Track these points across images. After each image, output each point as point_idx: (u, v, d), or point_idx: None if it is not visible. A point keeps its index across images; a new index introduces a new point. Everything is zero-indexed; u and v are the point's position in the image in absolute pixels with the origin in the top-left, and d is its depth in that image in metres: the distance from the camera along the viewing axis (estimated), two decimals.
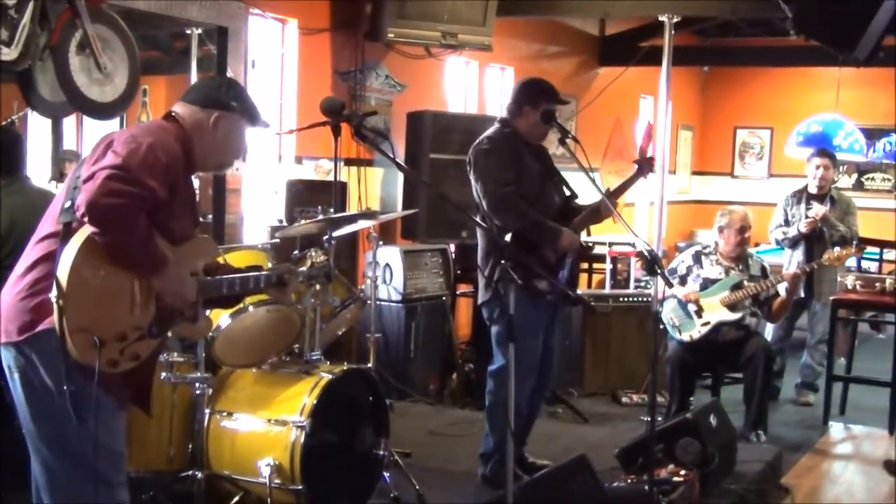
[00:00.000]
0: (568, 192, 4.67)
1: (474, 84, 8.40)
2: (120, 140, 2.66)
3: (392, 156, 3.34)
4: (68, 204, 2.66)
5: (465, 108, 8.24)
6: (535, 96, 4.54)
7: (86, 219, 2.53)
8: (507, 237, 4.08)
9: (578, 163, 4.33)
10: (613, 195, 4.46)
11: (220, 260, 3.16)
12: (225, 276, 3.01)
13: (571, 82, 9.62)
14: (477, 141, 4.55)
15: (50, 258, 2.63)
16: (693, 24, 9.39)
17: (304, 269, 3.62)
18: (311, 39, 6.60)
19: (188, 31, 5.60)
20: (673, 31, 7.39)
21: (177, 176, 2.72)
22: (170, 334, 2.95)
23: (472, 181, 4.47)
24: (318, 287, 4.12)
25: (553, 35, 9.43)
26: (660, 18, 7.34)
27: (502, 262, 3.21)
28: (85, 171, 2.62)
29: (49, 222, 2.74)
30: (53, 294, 2.53)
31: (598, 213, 4.54)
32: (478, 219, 4.40)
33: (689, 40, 10.40)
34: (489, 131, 4.58)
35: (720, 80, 12.44)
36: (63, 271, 2.55)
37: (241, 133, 2.94)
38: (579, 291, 7.05)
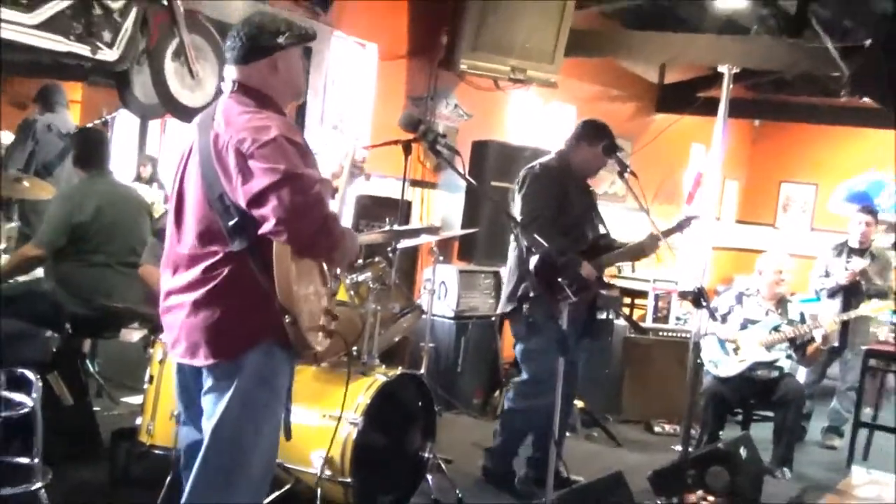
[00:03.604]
0: (602, 230, 4.71)
1: (537, 118, 8.39)
2: (247, 144, 2.57)
3: (463, 172, 3.34)
4: (233, 225, 2.60)
5: (525, 141, 8.22)
6: (595, 136, 4.61)
7: (286, 240, 2.52)
8: (534, 259, 4.11)
9: (635, 196, 4.36)
10: (654, 239, 4.52)
11: None
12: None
13: (628, 125, 9.59)
14: (531, 164, 4.63)
15: (235, 282, 2.62)
16: (748, 78, 9.29)
17: (368, 274, 3.64)
18: (388, 64, 6.65)
19: None
20: (731, 84, 7.35)
21: (303, 142, 2.67)
22: None
23: (517, 198, 4.51)
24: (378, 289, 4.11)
25: (615, 79, 9.40)
26: (719, 69, 7.29)
27: (559, 279, 3.16)
28: (230, 188, 2.58)
29: (196, 241, 2.68)
30: (287, 319, 2.58)
31: (641, 250, 4.58)
32: (511, 238, 4.56)
33: (743, 94, 10.29)
34: (544, 158, 4.67)
35: (770, 134, 12.28)
36: (288, 298, 2.57)
37: (298, 58, 2.85)
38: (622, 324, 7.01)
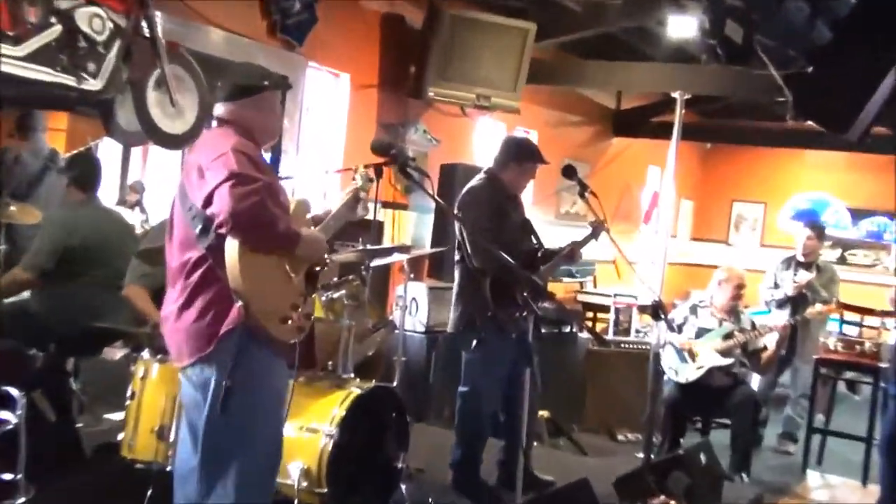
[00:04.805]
0: (536, 241, 4.72)
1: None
2: (206, 160, 2.75)
3: (432, 193, 3.33)
4: (199, 229, 2.75)
5: (491, 164, 8.25)
6: (521, 154, 4.63)
7: (229, 230, 2.65)
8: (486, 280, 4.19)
9: (595, 214, 4.41)
10: (577, 246, 4.60)
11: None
12: (328, 217, 3.18)
13: (587, 149, 9.66)
14: (465, 189, 4.61)
15: (205, 282, 2.76)
16: (699, 104, 9.38)
17: (342, 291, 3.63)
18: (360, 93, 6.67)
19: None
20: (683, 109, 7.39)
21: (259, 159, 2.83)
22: None
23: (459, 224, 4.52)
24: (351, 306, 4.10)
25: (574, 105, 9.47)
26: (672, 95, 7.35)
27: (525, 293, 3.15)
28: (196, 198, 2.74)
29: (179, 252, 2.83)
30: (238, 303, 2.68)
31: (572, 257, 4.63)
32: (457, 257, 4.56)
33: (695, 118, 10.40)
34: (476, 182, 4.63)
35: (721, 156, 12.42)
36: (236, 282, 2.69)
37: (277, 104, 3.04)
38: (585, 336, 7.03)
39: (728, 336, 5.79)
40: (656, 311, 3.97)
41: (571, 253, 4.61)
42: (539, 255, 4.67)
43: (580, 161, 8.59)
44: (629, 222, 10.20)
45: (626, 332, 7.90)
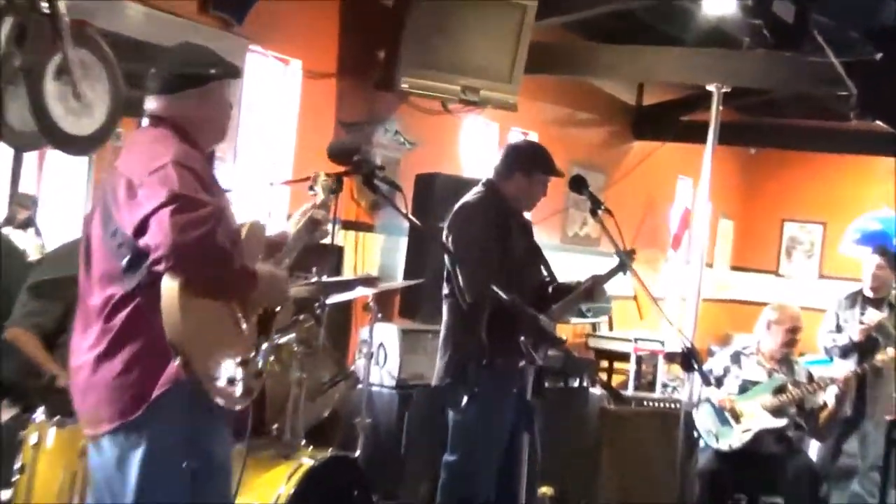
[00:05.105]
0: (548, 273, 4.76)
1: (494, 148, 8.42)
2: (139, 173, 2.73)
3: (405, 210, 3.35)
4: (126, 262, 2.73)
5: (480, 174, 8.25)
6: (530, 163, 4.66)
7: (169, 268, 2.63)
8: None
9: (611, 239, 4.41)
10: (599, 281, 4.61)
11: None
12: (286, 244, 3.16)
13: (601, 155, 9.74)
14: (459, 205, 4.65)
15: (133, 328, 2.74)
16: (741, 99, 9.47)
17: (291, 335, 3.63)
18: (315, 83, 6.67)
19: None
20: (720, 105, 7.46)
21: (205, 174, 2.83)
22: None
23: (448, 250, 4.51)
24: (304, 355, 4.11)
25: (584, 100, 9.54)
26: (707, 88, 7.41)
27: (521, 339, 3.16)
28: (124, 222, 2.71)
29: (98, 287, 2.81)
30: (177, 360, 2.65)
31: (590, 295, 4.65)
32: (445, 291, 4.58)
33: (735, 117, 10.47)
34: (472, 195, 4.68)
35: (768, 164, 12.53)
36: (174, 331, 2.65)
37: (227, 95, 3.04)
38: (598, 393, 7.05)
39: (780, 391, 5.81)
40: (688, 359, 3.99)
41: (591, 289, 4.62)
42: (550, 290, 4.69)
43: (592, 170, 8.66)
44: (654, 248, 10.24)
45: (651, 386, 7.97)
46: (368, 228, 7.08)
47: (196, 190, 2.70)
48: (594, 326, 9.14)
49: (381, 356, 6.30)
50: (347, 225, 6.80)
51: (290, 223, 3.29)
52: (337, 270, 6.11)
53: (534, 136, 8.75)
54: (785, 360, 5.97)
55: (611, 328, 9.27)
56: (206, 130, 2.97)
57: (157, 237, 2.62)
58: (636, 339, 7.72)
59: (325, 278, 4.48)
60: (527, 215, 4.89)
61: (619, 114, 10.19)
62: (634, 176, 9.21)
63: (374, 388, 6.16)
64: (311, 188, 3.34)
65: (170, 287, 2.67)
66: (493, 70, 7.07)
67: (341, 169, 3.46)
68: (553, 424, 4.91)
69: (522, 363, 4.18)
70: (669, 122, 9.63)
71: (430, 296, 6.52)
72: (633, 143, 10.33)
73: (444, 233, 4.57)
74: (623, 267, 4.61)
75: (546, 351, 4.42)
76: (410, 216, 3.42)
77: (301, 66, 6.60)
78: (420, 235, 6.54)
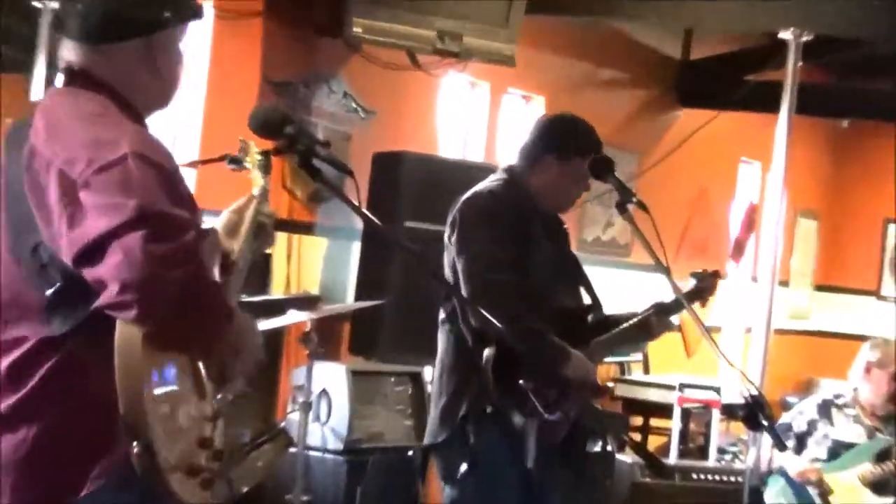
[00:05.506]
0: (589, 297, 4.83)
1: (483, 117, 8.46)
2: (77, 166, 2.60)
3: (357, 203, 3.29)
4: (52, 295, 2.65)
5: (465, 154, 8.33)
6: (566, 143, 4.71)
7: (137, 316, 2.51)
8: (488, 350, 4.23)
9: (646, 246, 4.39)
10: (663, 312, 4.67)
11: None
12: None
13: (632, 128, 9.74)
14: (468, 195, 4.69)
15: (54, 391, 2.66)
16: (826, 53, 9.43)
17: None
18: (232, 28, 6.66)
19: (39, 5, 5.71)
20: (800, 61, 7.45)
21: (174, 171, 2.75)
22: None
23: (453, 253, 4.56)
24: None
25: (610, 52, 9.56)
26: (781, 36, 7.39)
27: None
28: (47, 232, 2.63)
29: (9, 320, 2.72)
30: (135, 448, 2.54)
31: (647, 330, 4.69)
32: (442, 315, 4.62)
33: (820, 78, 10.45)
34: (488, 184, 4.75)
35: (866, 143, 12.57)
36: (134, 404, 2.55)
37: (179, 45, 3.01)
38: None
39: (884, 456, 5.83)
40: (755, 414, 3.99)
41: (649, 323, 4.66)
42: (589, 317, 4.75)
43: (620, 150, 8.58)
44: (706, 258, 10.19)
45: (702, 452, 7.94)
46: (306, 229, 7.09)
47: (168, 200, 2.58)
48: (623, 368, 9.18)
49: (324, 408, 6.26)
50: (278, 224, 6.65)
51: (219, 223, 3.26)
52: (262, 287, 6.10)
53: (538, 102, 8.80)
54: (892, 417, 5.99)
55: (646, 370, 9.31)
56: (149, 92, 2.93)
57: (122, 272, 2.48)
58: (681, 386, 7.64)
59: (242, 298, 4.40)
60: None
61: (659, 72, 10.15)
62: (679, 158, 9.15)
63: (314, 454, 6.15)
64: (235, 161, 3.37)
65: (129, 337, 2.57)
66: (481, 9, 7.09)
67: (268, 146, 3.40)
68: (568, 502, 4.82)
69: (552, 416, 4.26)
70: (728, 83, 9.60)
71: (392, 323, 6.56)
72: (678, 111, 10.30)
73: (448, 228, 4.59)
74: (701, 294, 4.68)
75: (574, 402, 4.47)
76: (366, 212, 3.31)
77: (213, 4, 6.57)
78: (379, 239, 6.50)
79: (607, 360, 8.74)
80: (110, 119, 2.73)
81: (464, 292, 4.45)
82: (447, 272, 4.56)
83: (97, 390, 2.60)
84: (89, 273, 2.53)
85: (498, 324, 4.06)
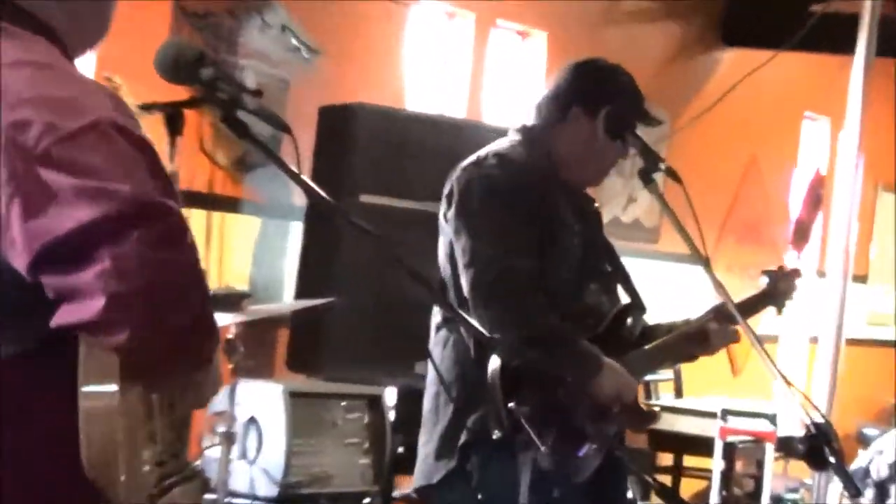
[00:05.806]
0: (627, 296, 4.94)
1: (465, 60, 8.55)
2: (32, 132, 2.53)
3: (297, 171, 3.21)
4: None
5: (440, 107, 8.44)
6: (599, 94, 4.81)
7: (124, 343, 2.48)
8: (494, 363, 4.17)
9: (680, 229, 4.36)
10: (726, 318, 4.71)
11: None
12: None
13: (662, 76, 9.80)
14: (471, 160, 4.77)
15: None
16: None
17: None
18: None
19: None
20: None
21: (133, 121, 2.70)
22: None
23: (450, 235, 4.65)
24: None
25: None
26: None
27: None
28: (16, 234, 2.54)
29: None
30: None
31: (705, 340, 4.78)
32: (438, 319, 4.72)
33: None
34: (496, 147, 4.82)
35: None
36: (100, 457, 2.57)
37: None
38: None
39: None
40: (819, 450, 4.01)
41: (705, 333, 4.72)
42: (627, 320, 4.83)
43: (649, 103, 8.63)
44: (758, 245, 10.24)
45: (752, 499, 7.90)
46: (230, 206, 7.19)
47: (154, 175, 2.58)
48: (649, 390, 9.25)
49: (253, 442, 6.31)
50: (193, 198, 6.80)
51: None
52: None
53: (541, 39, 8.90)
54: None
55: (679, 393, 9.42)
56: (82, 21, 2.89)
57: (111, 282, 2.46)
58: (724, 414, 7.74)
59: None
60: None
61: (697, 2, 10.21)
62: (723, 114, 9.19)
63: (240, 502, 6.20)
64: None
65: (88, 365, 2.57)
66: None
67: (182, 95, 3.46)
68: None
69: (582, 450, 4.36)
70: (787, 16, 9.57)
71: (343, 330, 6.72)
72: (721, 53, 10.46)
73: (445, 205, 4.68)
74: (776, 298, 4.78)
75: (609, 428, 4.59)
76: (309, 182, 3.21)
77: None
78: (326, 219, 6.53)
79: None
80: (59, 68, 2.71)
81: (464, 284, 4.49)
82: (441, 259, 4.65)
83: (47, 432, 2.62)
84: (57, 280, 2.50)
85: (509, 325, 4.29)
